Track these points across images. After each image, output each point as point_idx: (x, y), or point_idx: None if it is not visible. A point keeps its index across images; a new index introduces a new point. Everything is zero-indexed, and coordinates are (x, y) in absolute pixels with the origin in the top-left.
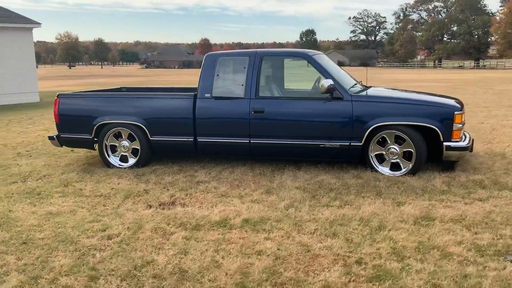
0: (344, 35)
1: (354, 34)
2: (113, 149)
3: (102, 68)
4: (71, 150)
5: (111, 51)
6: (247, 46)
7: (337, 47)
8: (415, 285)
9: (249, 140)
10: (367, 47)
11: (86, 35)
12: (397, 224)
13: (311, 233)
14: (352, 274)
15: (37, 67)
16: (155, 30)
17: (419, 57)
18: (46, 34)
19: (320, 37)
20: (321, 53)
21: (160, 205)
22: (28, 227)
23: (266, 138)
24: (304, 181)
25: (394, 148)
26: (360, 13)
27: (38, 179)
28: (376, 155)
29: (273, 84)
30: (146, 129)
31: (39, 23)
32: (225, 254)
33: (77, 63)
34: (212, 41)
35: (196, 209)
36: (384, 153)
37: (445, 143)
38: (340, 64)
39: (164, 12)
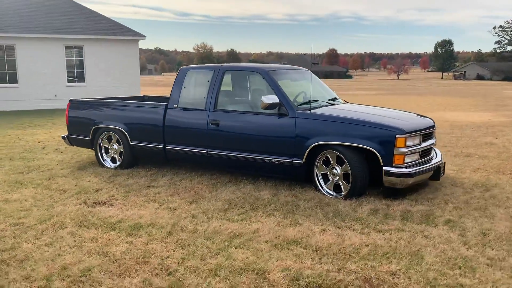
0: (488, 46)
1: (499, 45)
2: (107, 150)
3: None
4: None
5: (241, 60)
6: (380, 56)
7: (478, 58)
8: None
9: (207, 151)
10: None
11: (223, 46)
12: (254, 244)
13: (174, 242)
14: (147, 282)
15: None
16: (288, 40)
17: None
18: (189, 44)
19: (462, 47)
20: (298, 68)
21: (93, 203)
22: None
23: (220, 149)
24: (240, 194)
25: (336, 169)
26: (508, 22)
27: (40, 172)
28: (323, 175)
29: (233, 97)
30: (127, 134)
31: (143, 36)
32: (75, 250)
33: None
34: (343, 51)
35: (113, 210)
36: (328, 173)
37: (384, 168)
38: (480, 77)
39: (299, 23)
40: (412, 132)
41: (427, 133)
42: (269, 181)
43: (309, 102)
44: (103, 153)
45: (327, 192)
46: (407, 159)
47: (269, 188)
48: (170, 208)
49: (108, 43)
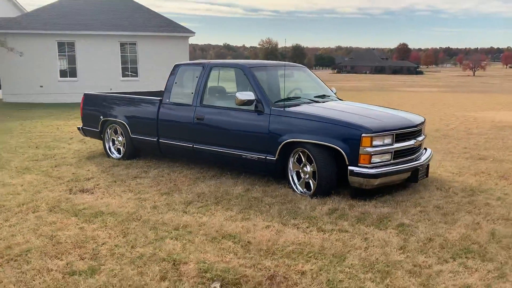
0: None
1: None
2: (114, 142)
3: None
4: None
5: (307, 56)
6: (456, 51)
7: None
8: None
9: (193, 145)
10: None
11: (291, 40)
12: (191, 236)
13: (120, 230)
14: (69, 264)
15: None
16: (358, 35)
17: None
18: (257, 40)
19: None
20: (293, 64)
21: (77, 190)
22: None
23: (204, 144)
24: (214, 188)
25: (307, 167)
26: None
27: (52, 160)
28: (297, 173)
29: (219, 93)
30: (128, 127)
31: (193, 32)
32: (30, 232)
33: None
34: (416, 46)
35: (89, 197)
36: (300, 171)
37: (349, 167)
38: None
39: (370, 17)
40: (380, 132)
41: (404, 133)
42: (250, 177)
43: (289, 99)
44: (110, 144)
45: (299, 189)
46: (375, 159)
47: (245, 183)
48: (141, 198)
49: (159, 40)
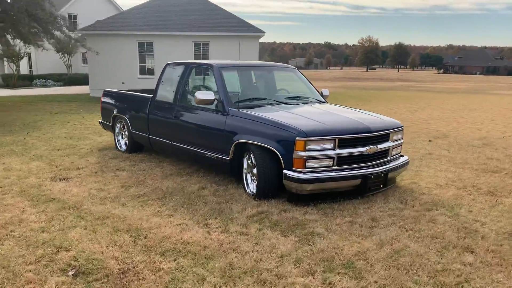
0: None
1: None
2: (123, 136)
3: (398, 72)
4: None
5: (410, 55)
6: None
7: None
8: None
9: (171, 142)
10: None
11: (397, 39)
12: (100, 227)
13: (50, 216)
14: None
15: (341, 69)
16: (473, 32)
17: None
18: (360, 38)
19: None
20: (281, 65)
21: (58, 178)
22: None
23: (179, 141)
24: (173, 184)
25: (255, 169)
26: None
27: (70, 150)
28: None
29: (194, 92)
30: (129, 123)
31: (263, 32)
32: None
33: (378, 66)
34: None
35: (61, 185)
36: (250, 172)
37: (284, 171)
38: None
39: (489, 13)
40: (317, 136)
41: (351, 139)
42: (217, 176)
43: (250, 100)
44: (120, 138)
45: (250, 191)
46: (312, 164)
47: (207, 182)
48: (101, 189)
49: (230, 39)
